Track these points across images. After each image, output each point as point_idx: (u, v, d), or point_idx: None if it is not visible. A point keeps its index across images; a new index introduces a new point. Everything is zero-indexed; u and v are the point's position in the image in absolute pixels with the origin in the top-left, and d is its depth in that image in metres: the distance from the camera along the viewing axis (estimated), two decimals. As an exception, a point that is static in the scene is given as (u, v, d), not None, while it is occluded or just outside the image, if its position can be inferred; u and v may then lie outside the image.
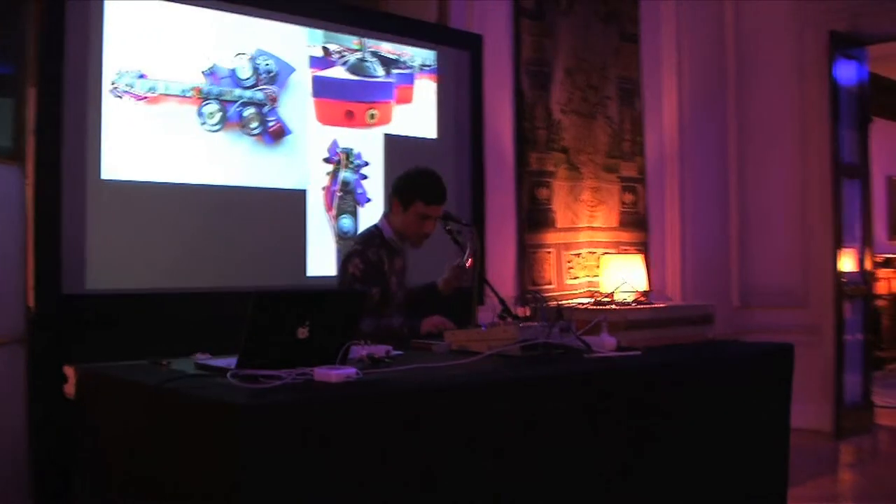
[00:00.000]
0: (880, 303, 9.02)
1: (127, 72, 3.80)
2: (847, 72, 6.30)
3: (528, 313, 2.93)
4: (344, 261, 3.47)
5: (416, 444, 2.07)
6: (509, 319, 3.12)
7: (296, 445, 1.86)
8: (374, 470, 1.99)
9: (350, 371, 2.11)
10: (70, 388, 2.54)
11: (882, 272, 9.13)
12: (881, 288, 9.12)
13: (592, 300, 3.33)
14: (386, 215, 3.54)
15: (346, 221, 4.54)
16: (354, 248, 3.45)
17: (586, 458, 2.45)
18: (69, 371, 2.56)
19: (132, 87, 3.82)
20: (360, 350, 2.43)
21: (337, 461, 1.92)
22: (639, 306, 3.15)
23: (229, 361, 2.23)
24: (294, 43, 4.36)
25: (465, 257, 3.48)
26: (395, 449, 2.04)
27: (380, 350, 2.52)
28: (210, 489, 1.86)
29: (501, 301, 3.45)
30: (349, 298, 2.50)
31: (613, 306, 3.09)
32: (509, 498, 2.26)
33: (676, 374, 2.78)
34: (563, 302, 2.89)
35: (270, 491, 1.81)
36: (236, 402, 1.85)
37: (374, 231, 3.53)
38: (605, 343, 2.80)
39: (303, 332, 2.14)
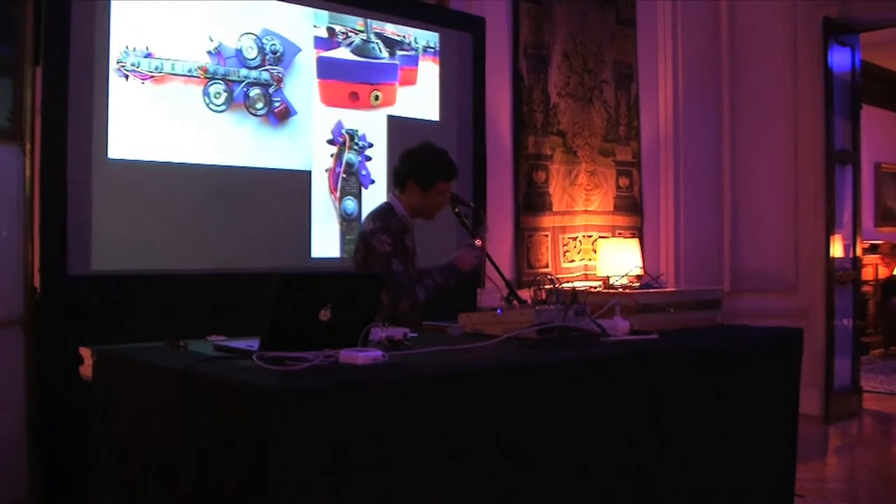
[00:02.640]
0: (866, 288, 9.12)
1: (133, 50, 3.76)
2: (840, 58, 6.32)
3: (541, 296, 2.90)
4: (366, 238, 3.39)
5: (444, 425, 2.08)
6: (515, 302, 3.12)
7: (328, 428, 1.85)
8: (404, 452, 1.99)
9: (377, 354, 2.11)
10: (86, 370, 2.50)
11: (868, 258, 9.23)
12: (867, 274, 9.23)
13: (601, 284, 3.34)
14: (396, 195, 3.52)
15: (349, 203, 4.52)
16: (376, 226, 3.38)
17: (606, 441, 2.47)
18: (85, 353, 2.51)
19: (138, 66, 3.78)
20: (378, 332, 2.43)
21: (366, 443, 1.92)
22: (650, 290, 3.16)
23: (249, 343, 2.23)
24: (299, 23, 4.33)
25: (477, 236, 3.50)
26: (424, 430, 2.04)
27: (398, 332, 2.52)
28: (239, 472, 1.85)
29: (508, 284, 3.45)
30: (370, 281, 2.50)
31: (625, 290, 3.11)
32: (535, 477, 2.27)
33: (693, 357, 2.80)
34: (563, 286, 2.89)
35: (302, 473, 1.80)
36: (269, 384, 1.83)
37: (387, 207, 3.50)
38: (619, 326, 2.80)
39: (325, 315, 2.14)
